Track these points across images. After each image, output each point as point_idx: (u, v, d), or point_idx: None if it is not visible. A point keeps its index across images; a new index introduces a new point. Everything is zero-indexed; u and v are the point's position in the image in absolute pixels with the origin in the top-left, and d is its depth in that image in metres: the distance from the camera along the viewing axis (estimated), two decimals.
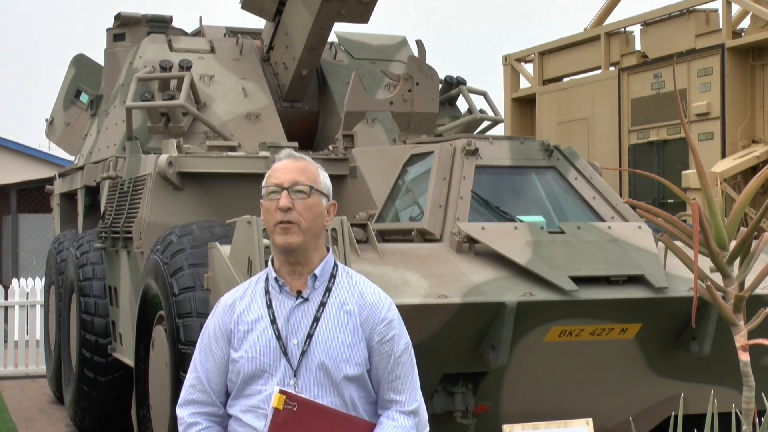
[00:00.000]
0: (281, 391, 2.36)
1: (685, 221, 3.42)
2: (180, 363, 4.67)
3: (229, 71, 7.39)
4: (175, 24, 8.38)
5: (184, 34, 8.26)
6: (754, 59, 9.57)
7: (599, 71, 11.30)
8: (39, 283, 10.99)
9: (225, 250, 4.29)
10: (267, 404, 2.40)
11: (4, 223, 18.26)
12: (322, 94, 7.73)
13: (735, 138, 9.52)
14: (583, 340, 4.32)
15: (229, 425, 2.52)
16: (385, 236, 4.86)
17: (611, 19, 11.64)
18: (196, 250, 4.90)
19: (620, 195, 8.53)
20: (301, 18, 6.94)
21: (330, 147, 6.29)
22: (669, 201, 9.87)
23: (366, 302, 2.51)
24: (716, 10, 9.97)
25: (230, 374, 2.51)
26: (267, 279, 2.53)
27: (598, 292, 4.23)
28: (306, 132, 7.56)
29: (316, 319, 2.46)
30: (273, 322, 2.46)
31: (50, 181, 9.81)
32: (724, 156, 9.44)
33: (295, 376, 2.43)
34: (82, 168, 7.84)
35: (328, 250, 2.57)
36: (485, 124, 7.85)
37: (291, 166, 2.49)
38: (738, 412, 2.79)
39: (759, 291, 3.95)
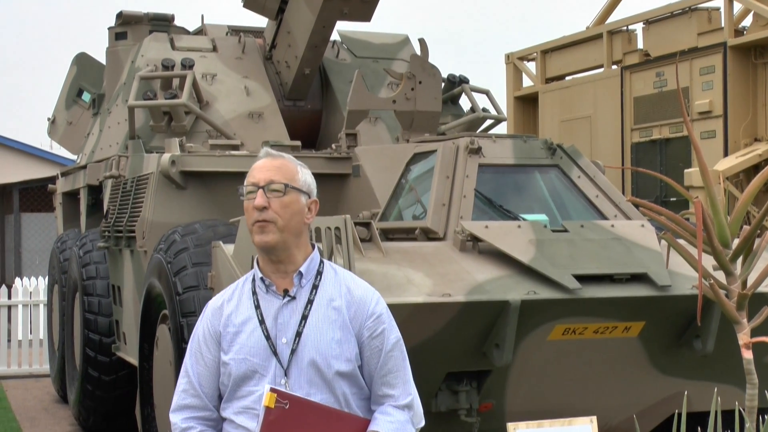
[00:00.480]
0: (272, 390, 2.36)
1: (687, 219, 3.43)
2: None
3: (232, 70, 7.39)
4: (177, 22, 8.38)
5: (186, 32, 8.26)
6: (756, 57, 9.57)
7: (602, 70, 11.30)
8: (42, 283, 11.00)
9: (228, 248, 4.30)
10: (259, 404, 2.39)
11: (7, 223, 18.27)
12: (324, 92, 7.73)
13: (737, 136, 9.53)
14: (586, 338, 4.33)
15: (223, 428, 2.51)
16: (388, 235, 4.87)
17: (613, 18, 11.65)
18: (200, 249, 4.91)
19: (623, 193, 8.52)
20: (303, 16, 6.94)
21: (333, 146, 6.29)
22: (672, 199, 9.88)
23: (354, 298, 2.50)
24: (718, 9, 9.97)
25: (222, 377, 2.50)
26: (254, 280, 2.53)
27: (602, 291, 4.23)
28: (309, 131, 7.56)
29: (304, 317, 2.45)
30: (261, 322, 2.46)
31: (53, 180, 9.82)
32: (726, 154, 9.44)
33: (286, 375, 2.42)
34: (84, 167, 7.84)
35: (313, 247, 2.55)
36: (488, 122, 7.85)
37: (268, 165, 2.49)
38: (741, 409, 2.79)
39: (762, 289, 3.94)
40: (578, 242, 4.42)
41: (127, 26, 8.12)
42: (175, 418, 2.54)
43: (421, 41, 6.76)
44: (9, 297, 10.94)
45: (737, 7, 10.00)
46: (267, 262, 2.50)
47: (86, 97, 8.95)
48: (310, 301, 2.47)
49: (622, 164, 10.53)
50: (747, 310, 2.82)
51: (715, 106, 9.62)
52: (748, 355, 2.75)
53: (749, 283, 2.87)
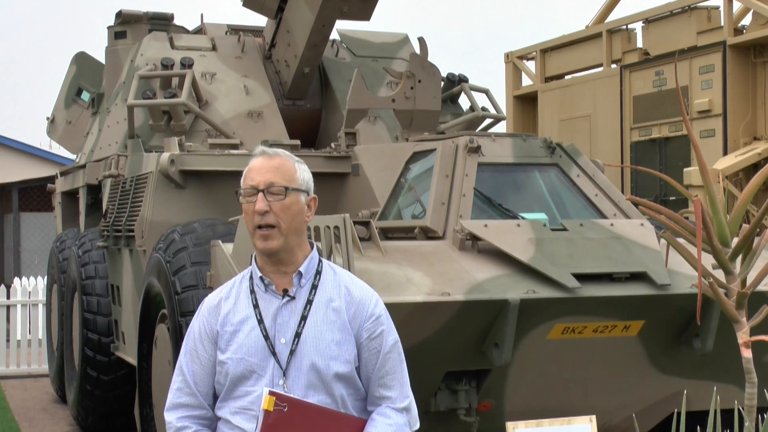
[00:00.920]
0: (271, 393, 2.34)
1: (687, 218, 3.42)
2: None
3: (231, 69, 7.39)
4: (177, 22, 8.38)
5: (186, 31, 8.25)
6: (755, 56, 9.57)
7: (601, 68, 11.30)
8: (41, 282, 10.99)
9: (228, 248, 4.29)
10: (256, 405, 2.37)
11: (6, 222, 18.27)
12: (324, 91, 7.73)
13: (736, 135, 9.53)
14: (586, 338, 4.32)
15: (217, 427, 2.49)
16: (387, 234, 4.86)
17: (613, 17, 11.65)
18: (199, 249, 4.90)
19: (622, 192, 8.52)
20: (303, 15, 6.94)
21: (332, 145, 6.29)
22: (671, 198, 9.88)
23: (353, 298, 2.47)
24: (717, 7, 9.97)
25: (218, 376, 2.47)
26: (251, 278, 2.50)
27: (601, 289, 4.23)
28: (308, 130, 7.56)
29: (304, 318, 2.43)
30: (260, 321, 2.43)
31: (52, 179, 9.82)
32: (725, 153, 9.44)
33: (284, 375, 2.40)
34: (83, 166, 7.84)
35: (312, 246, 2.53)
36: (487, 121, 7.85)
37: (266, 166, 2.44)
38: (741, 408, 2.79)
39: (761, 288, 3.95)
40: (578, 241, 4.42)
41: (126, 25, 8.11)
42: (170, 417, 2.52)
43: (421, 40, 6.76)
44: (8, 297, 10.93)
45: (737, 6, 10.00)
46: (267, 262, 2.47)
47: (85, 96, 8.95)
48: (309, 302, 2.44)
49: (622, 163, 10.53)
50: (746, 308, 2.82)
51: (715, 105, 9.62)
52: (747, 354, 2.74)
53: (748, 281, 2.86)
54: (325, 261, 2.54)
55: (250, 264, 2.52)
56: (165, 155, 5.85)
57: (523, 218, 4.67)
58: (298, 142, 6.32)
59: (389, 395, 2.48)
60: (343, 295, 2.48)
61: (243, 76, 7.37)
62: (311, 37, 6.94)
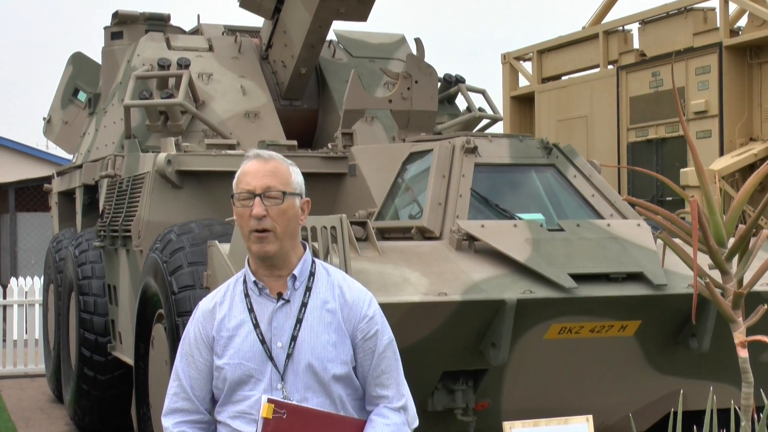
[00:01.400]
0: (270, 400, 2.34)
1: (683, 219, 3.43)
2: None
3: (228, 69, 7.39)
4: (173, 22, 8.38)
5: (183, 32, 8.25)
6: (751, 57, 9.59)
7: (598, 69, 11.31)
8: (38, 282, 10.98)
9: (224, 248, 4.29)
10: (255, 409, 2.38)
11: (3, 222, 18.24)
12: (321, 92, 7.74)
13: (733, 136, 9.54)
14: (582, 338, 4.33)
15: (217, 431, 2.49)
16: (384, 234, 4.87)
17: (609, 18, 11.66)
18: (196, 249, 4.90)
19: (619, 193, 8.54)
20: (299, 16, 6.94)
21: (329, 145, 6.29)
22: (668, 198, 9.89)
23: (346, 300, 2.47)
24: (714, 9, 9.99)
25: (216, 381, 2.47)
26: (245, 281, 2.49)
27: (598, 290, 4.24)
28: (305, 130, 7.57)
29: (299, 321, 2.42)
30: (256, 326, 2.42)
31: (48, 179, 9.81)
32: (722, 154, 9.46)
33: (282, 379, 2.40)
34: (80, 166, 7.84)
35: (304, 247, 2.52)
36: (484, 122, 7.86)
37: (262, 170, 2.42)
38: (737, 408, 2.80)
39: (757, 288, 3.95)
40: (574, 241, 4.42)
41: (123, 26, 8.11)
42: (167, 422, 2.52)
43: (418, 41, 6.78)
44: (4, 296, 10.92)
45: (732, 7, 10.02)
46: (261, 266, 2.46)
47: (82, 96, 8.94)
48: (304, 304, 2.44)
49: (618, 164, 10.54)
50: (743, 308, 2.83)
51: (711, 105, 9.63)
52: (743, 353, 2.75)
53: (745, 281, 2.87)
54: (318, 261, 2.54)
55: (244, 267, 2.52)
56: (162, 155, 5.84)
57: (519, 218, 4.67)
58: (294, 142, 6.33)
59: (386, 394, 2.48)
60: (337, 296, 2.47)
61: (240, 76, 7.37)
62: (308, 38, 6.95)
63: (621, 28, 11.08)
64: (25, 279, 11.54)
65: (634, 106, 10.59)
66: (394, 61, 7.90)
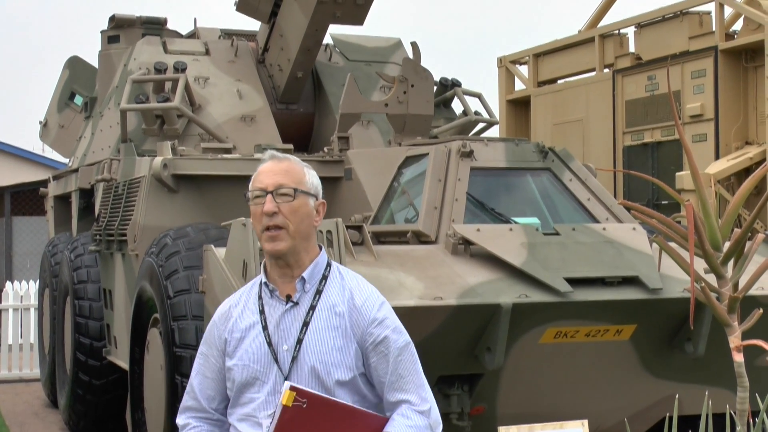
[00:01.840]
0: (292, 387, 2.31)
1: (679, 222, 3.43)
2: (175, 366, 4.66)
3: (224, 73, 7.39)
4: (170, 26, 8.37)
5: (179, 36, 8.25)
6: (746, 61, 9.60)
7: (593, 73, 11.32)
8: (33, 286, 10.96)
9: (220, 252, 4.29)
10: (259, 412, 2.38)
11: None
12: (317, 96, 7.74)
13: (728, 139, 9.55)
14: (578, 342, 4.33)
15: None
16: (380, 238, 4.86)
17: (605, 22, 11.67)
18: (191, 253, 4.90)
19: (615, 196, 8.55)
20: (296, 20, 6.95)
21: (325, 149, 6.29)
22: (663, 202, 9.89)
23: (355, 303, 2.45)
24: (709, 13, 10.00)
25: (227, 382, 2.49)
26: (261, 284, 2.50)
27: (593, 294, 4.23)
28: (301, 134, 7.57)
29: (306, 324, 2.41)
30: (264, 328, 2.43)
31: (44, 183, 9.79)
32: (717, 157, 9.47)
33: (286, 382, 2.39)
34: (76, 170, 7.82)
35: (320, 249, 2.52)
36: (480, 125, 7.86)
37: (275, 169, 2.45)
38: (732, 412, 2.80)
39: (753, 292, 3.96)
40: (570, 245, 4.42)
41: (119, 29, 8.11)
42: (178, 420, 2.58)
43: (414, 45, 6.77)
44: None
45: (728, 11, 10.03)
46: (274, 267, 2.47)
47: (78, 100, 8.94)
48: (312, 307, 2.43)
49: (614, 167, 10.55)
50: (738, 313, 2.83)
51: (707, 109, 9.64)
52: (739, 358, 2.75)
53: (740, 286, 2.87)
54: (335, 265, 2.53)
55: (257, 272, 2.57)
56: (158, 159, 5.84)
57: (515, 222, 4.67)
58: (290, 146, 6.32)
59: (407, 398, 2.42)
60: (346, 300, 2.46)
61: (236, 80, 7.37)
62: (304, 42, 6.95)
63: (617, 31, 11.09)
64: (20, 283, 11.52)
65: (630, 109, 10.60)
66: (390, 65, 7.90)
